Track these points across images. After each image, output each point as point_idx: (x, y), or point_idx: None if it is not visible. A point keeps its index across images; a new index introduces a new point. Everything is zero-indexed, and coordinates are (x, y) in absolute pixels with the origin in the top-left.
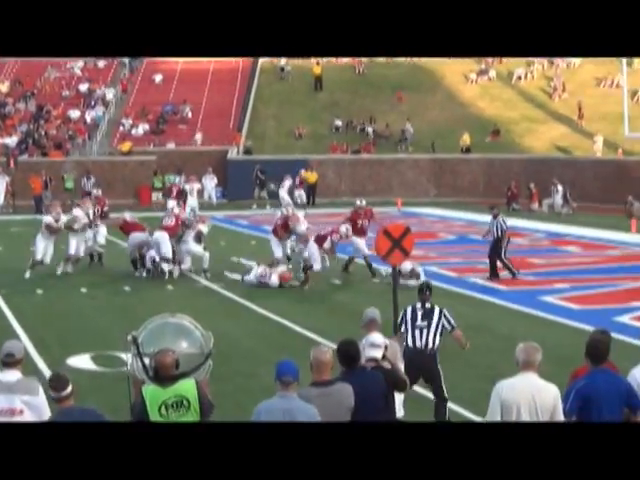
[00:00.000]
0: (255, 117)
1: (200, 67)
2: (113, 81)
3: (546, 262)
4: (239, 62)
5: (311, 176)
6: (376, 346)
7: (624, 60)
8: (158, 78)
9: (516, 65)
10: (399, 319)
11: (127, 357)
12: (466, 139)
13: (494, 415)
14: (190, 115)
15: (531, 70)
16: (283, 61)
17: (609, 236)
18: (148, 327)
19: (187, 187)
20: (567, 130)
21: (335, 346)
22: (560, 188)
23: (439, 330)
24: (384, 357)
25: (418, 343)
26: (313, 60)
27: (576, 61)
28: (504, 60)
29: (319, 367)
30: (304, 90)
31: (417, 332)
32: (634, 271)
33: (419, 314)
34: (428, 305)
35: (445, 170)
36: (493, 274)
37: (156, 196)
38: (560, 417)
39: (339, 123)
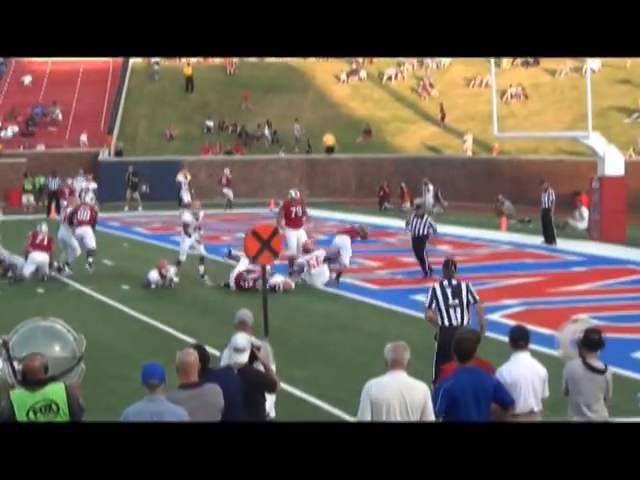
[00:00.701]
0: (126, 118)
1: (70, 68)
2: None
3: (417, 261)
4: (109, 62)
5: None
6: (240, 350)
7: (492, 60)
8: (27, 79)
9: (386, 65)
10: (428, 298)
11: None
12: (329, 139)
13: (364, 414)
14: (60, 117)
15: (401, 70)
16: (154, 60)
17: (479, 234)
18: (19, 331)
19: (89, 186)
20: (437, 130)
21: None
22: (431, 187)
23: (469, 306)
24: (257, 358)
25: (455, 322)
26: (184, 60)
27: (446, 61)
28: (375, 60)
29: (185, 369)
30: (175, 91)
31: (452, 311)
32: (504, 269)
33: (449, 292)
34: (454, 282)
35: (317, 170)
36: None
37: (26, 198)
38: (431, 415)
39: (211, 124)
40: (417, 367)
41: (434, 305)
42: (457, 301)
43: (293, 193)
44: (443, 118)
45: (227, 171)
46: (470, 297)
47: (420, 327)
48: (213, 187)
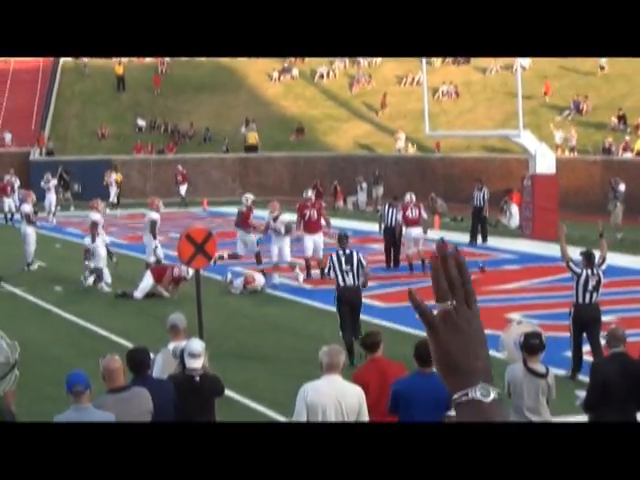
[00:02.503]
0: (57, 117)
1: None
2: None
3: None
4: (39, 61)
5: (116, 177)
6: (196, 356)
7: (424, 58)
8: None
9: (318, 64)
10: (327, 267)
11: None
12: (251, 137)
13: (300, 418)
14: None
15: (333, 68)
16: (85, 60)
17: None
18: None
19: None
20: (370, 128)
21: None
22: (365, 186)
23: (359, 270)
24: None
25: (348, 283)
26: (115, 60)
27: (377, 59)
28: (306, 58)
29: (111, 375)
30: (107, 90)
31: (345, 274)
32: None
33: (343, 259)
34: (348, 251)
35: (250, 169)
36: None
37: None
38: (365, 417)
39: (142, 123)
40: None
41: (332, 272)
42: (349, 267)
43: (308, 193)
44: (383, 107)
45: (181, 167)
46: (360, 264)
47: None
48: (145, 186)
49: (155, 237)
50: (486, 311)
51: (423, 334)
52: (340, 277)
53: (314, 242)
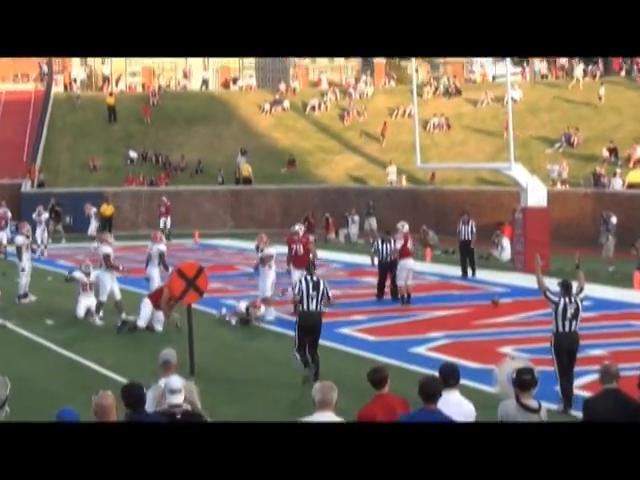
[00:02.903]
0: (48, 149)
1: None
2: None
3: (343, 293)
4: (31, 93)
5: (107, 209)
6: (176, 392)
7: (414, 90)
8: None
9: (310, 95)
10: (297, 288)
11: None
12: (245, 169)
13: None
14: None
15: (324, 100)
16: (76, 91)
17: None
18: None
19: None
20: (361, 160)
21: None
22: (357, 218)
23: (323, 298)
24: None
25: (312, 308)
26: (106, 91)
27: (369, 91)
28: (297, 90)
29: (104, 412)
30: (98, 121)
31: (310, 299)
32: (429, 301)
33: (310, 285)
34: (315, 278)
35: (242, 201)
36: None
37: None
38: None
39: (134, 155)
40: (348, 405)
41: (299, 294)
42: (315, 292)
43: (296, 227)
44: (384, 136)
45: (165, 199)
46: (325, 291)
47: (347, 361)
48: (137, 218)
49: (167, 268)
50: (478, 345)
51: (413, 368)
52: (305, 302)
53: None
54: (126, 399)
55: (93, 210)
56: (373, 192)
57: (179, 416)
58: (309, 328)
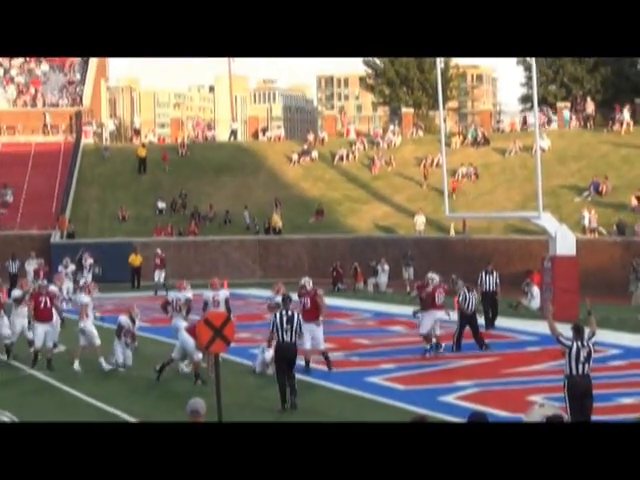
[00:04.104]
0: (78, 200)
1: (21, 150)
2: None
3: (371, 342)
4: (60, 144)
5: (135, 259)
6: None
7: (443, 140)
8: None
9: (338, 145)
10: (272, 323)
11: None
12: (276, 220)
13: None
14: (11, 199)
15: (352, 150)
16: (105, 143)
17: None
18: None
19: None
20: (389, 209)
21: None
22: (386, 267)
23: (298, 331)
24: None
25: (287, 339)
26: (137, 142)
27: (396, 140)
28: (325, 140)
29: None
30: (127, 172)
31: (285, 333)
32: (458, 350)
33: (285, 319)
34: (290, 312)
35: (270, 251)
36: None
37: None
38: None
39: (163, 205)
40: None
41: (274, 329)
42: (289, 326)
43: (302, 281)
44: (426, 178)
45: (159, 251)
46: (298, 325)
47: (376, 410)
48: (166, 268)
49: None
50: (507, 393)
51: (442, 417)
52: (280, 334)
53: (310, 332)
54: None
55: (89, 262)
56: (402, 241)
57: None
58: (285, 358)
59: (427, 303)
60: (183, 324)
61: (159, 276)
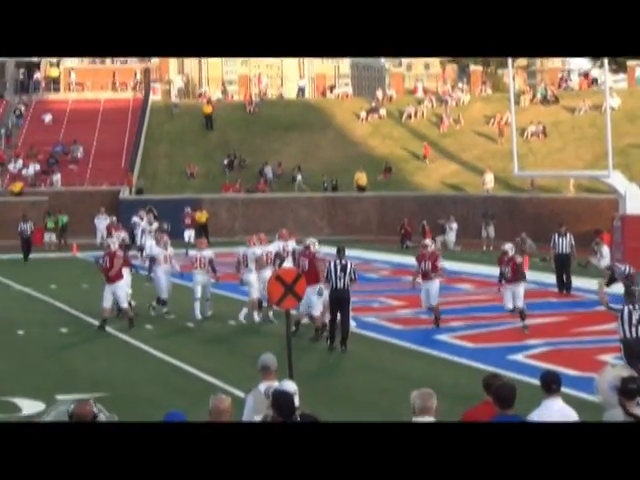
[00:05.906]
0: (146, 156)
1: (90, 106)
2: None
3: (440, 300)
4: (129, 101)
5: (201, 216)
6: (293, 395)
7: (512, 98)
8: (47, 118)
9: (406, 103)
10: (325, 271)
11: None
12: (360, 178)
13: None
14: (81, 155)
15: (421, 108)
16: (174, 99)
17: None
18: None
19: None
20: (457, 167)
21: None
22: (454, 225)
23: (351, 278)
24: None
25: (339, 286)
26: (204, 99)
27: (465, 99)
28: (393, 98)
29: (219, 415)
30: (195, 129)
31: (338, 280)
32: (527, 308)
33: (338, 268)
34: (343, 261)
35: (338, 208)
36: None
37: (48, 236)
38: None
39: (231, 161)
40: (444, 409)
41: (328, 276)
42: (342, 274)
43: (307, 241)
44: (501, 135)
45: (189, 210)
46: (352, 273)
47: (445, 368)
48: (234, 225)
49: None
50: (577, 353)
51: (512, 375)
52: (334, 281)
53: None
54: (277, 407)
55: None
56: (469, 200)
57: (298, 418)
58: (338, 301)
59: (510, 276)
60: (254, 279)
61: (189, 235)
